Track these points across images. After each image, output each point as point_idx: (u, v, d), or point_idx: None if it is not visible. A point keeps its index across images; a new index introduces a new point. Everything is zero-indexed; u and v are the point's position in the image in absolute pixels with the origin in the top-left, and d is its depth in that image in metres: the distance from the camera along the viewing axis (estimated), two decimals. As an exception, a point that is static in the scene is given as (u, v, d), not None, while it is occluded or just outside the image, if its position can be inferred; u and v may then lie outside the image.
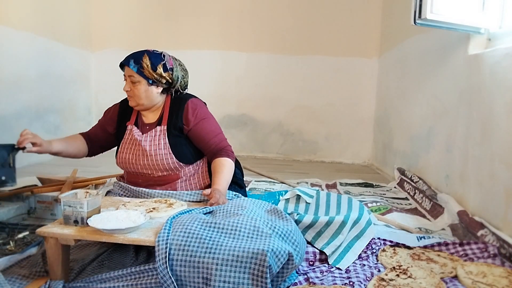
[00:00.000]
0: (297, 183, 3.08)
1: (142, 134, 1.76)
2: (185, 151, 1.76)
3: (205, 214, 1.49)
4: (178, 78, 1.76)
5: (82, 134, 1.91)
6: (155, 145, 1.72)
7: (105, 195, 1.87)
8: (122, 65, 1.74)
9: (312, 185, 3.05)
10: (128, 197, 1.78)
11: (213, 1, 4.61)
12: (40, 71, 3.80)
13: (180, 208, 1.54)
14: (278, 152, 4.74)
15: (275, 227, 1.38)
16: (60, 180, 2.25)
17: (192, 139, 1.78)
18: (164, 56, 1.74)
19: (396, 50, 3.74)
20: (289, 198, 2.08)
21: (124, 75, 1.74)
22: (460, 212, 2.01)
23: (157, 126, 1.75)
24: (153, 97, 1.73)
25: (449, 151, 2.38)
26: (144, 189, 1.75)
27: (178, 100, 1.80)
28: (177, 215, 1.41)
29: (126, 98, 1.81)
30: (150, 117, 1.80)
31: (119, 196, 1.79)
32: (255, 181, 3.12)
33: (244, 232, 1.30)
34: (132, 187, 1.77)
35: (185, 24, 4.64)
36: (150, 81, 1.70)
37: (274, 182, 3.11)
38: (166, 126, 1.74)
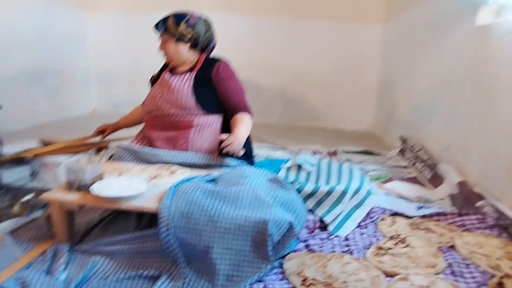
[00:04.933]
0: (299, 149, 3.08)
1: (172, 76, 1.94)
2: (205, 98, 1.86)
3: (207, 182, 1.50)
4: (201, 32, 1.92)
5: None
6: (180, 83, 1.87)
7: (108, 159, 1.89)
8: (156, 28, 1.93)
9: (314, 152, 3.06)
10: (131, 159, 1.81)
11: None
12: (36, 33, 3.70)
13: (183, 175, 1.55)
14: (280, 118, 4.72)
15: (276, 196, 1.39)
16: (63, 143, 2.25)
17: (217, 92, 1.89)
18: (187, 14, 1.91)
19: (403, 16, 3.63)
20: (290, 167, 2.09)
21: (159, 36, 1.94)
22: (460, 183, 2.03)
23: (188, 73, 1.91)
24: (182, 53, 1.91)
25: (453, 122, 2.36)
26: (149, 148, 1.80)
27: (212, 59, 1.99)
28: (180, 183, 1.42)
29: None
30: (182, 69, 1.97)
31: (122, 158, 1.82)
32: (257, 146, 3.12)
33: (246, 201, 1.32)
34: (136, 148, 1.81)
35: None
36: (176, 38, 1.87)
37: (275, 148, 3.11)
38: (195, 74, 1.89)
